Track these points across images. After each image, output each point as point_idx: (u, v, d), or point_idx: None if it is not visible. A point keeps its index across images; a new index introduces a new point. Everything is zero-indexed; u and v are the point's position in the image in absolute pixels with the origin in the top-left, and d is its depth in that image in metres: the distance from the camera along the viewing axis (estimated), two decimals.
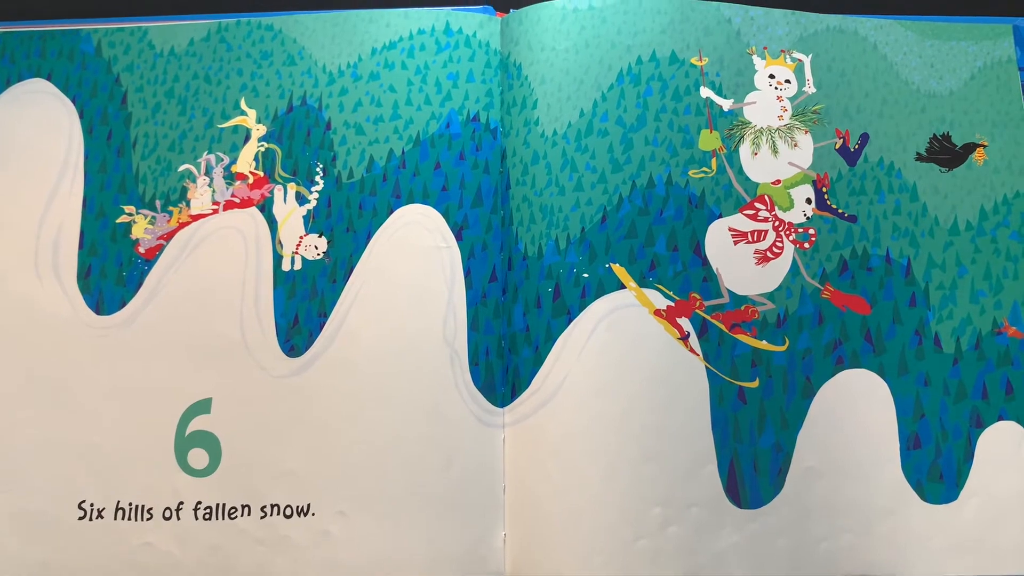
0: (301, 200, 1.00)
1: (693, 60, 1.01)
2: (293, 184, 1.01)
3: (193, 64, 1.05)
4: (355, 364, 0.86)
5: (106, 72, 1.05)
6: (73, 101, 1.04)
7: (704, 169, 0.97)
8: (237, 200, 1.00)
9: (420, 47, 1.04)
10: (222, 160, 1.02)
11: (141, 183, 1.01)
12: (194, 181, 1.01)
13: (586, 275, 0.90)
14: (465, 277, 0.95)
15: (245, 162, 1.02)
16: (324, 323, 0.90)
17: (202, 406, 0.85)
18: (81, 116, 1.03)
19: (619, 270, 0.91)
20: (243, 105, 1.03)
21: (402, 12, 1.05)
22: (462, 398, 0.84)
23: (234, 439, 0.85)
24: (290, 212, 1.00)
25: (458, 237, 0.98)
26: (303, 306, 0.95)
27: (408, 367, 0.85)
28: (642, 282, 0.90)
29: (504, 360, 0.86)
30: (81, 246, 0.94)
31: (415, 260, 0.91)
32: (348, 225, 0.99)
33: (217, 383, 0.87)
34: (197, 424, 0.84)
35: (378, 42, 1.05)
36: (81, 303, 0.91)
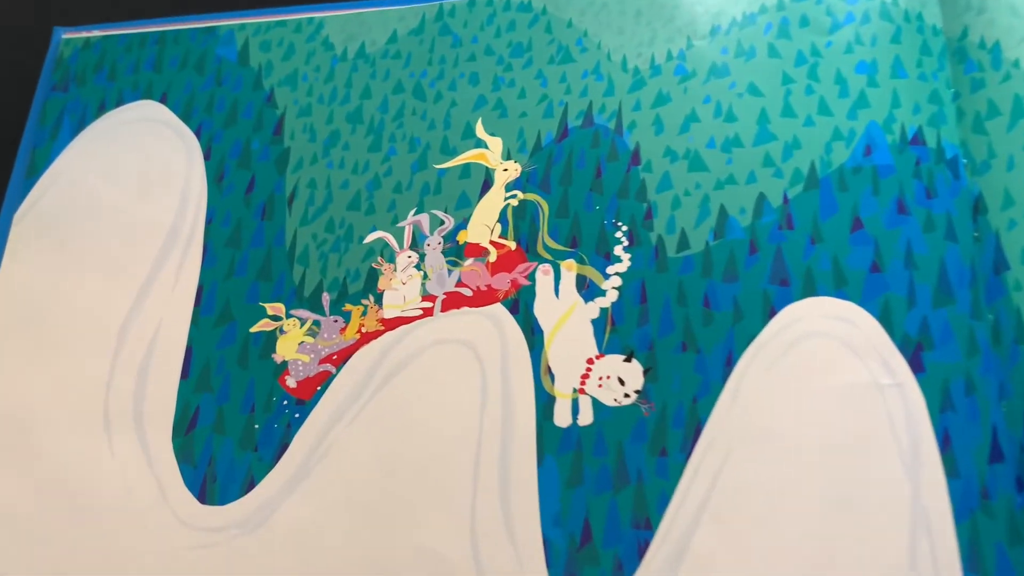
0: (591, 292, 0.51)
1: None
2: (572, 263, 0.53)
3: (395, 70, 0.62)
4: None
5: (253, 86, 0.63)
6: (197, 134, 0.61)
7: None
8: (468, 292, 0.53)
9: (800, 21, 0.57)
10: (442, 223, 0.56)
11: (299, 265, 0.56)
12: (392, 260, 0.55)
13: None
14: (941, 451, 0.44)
15: (483, 225, 0.55)
16: (647, 541, 0.47)
17: None
18: (207, 157, 0.60)
19: None
20: (480, 130, 0.58)
21: None
22: None
23: None
24: (568, 313, 0.51)
25: (915, 366, 0.46)
26: (598, 505, 0.45)
27: None
28: None
29: None
30: (185, 375, 0.57)
31: (833, 414, 0.49)
32: (684, 337, 0.49)
33: None
34: None
35: (721, 17, 0.58)
36: (176, 479, 0.54)
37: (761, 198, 0.53)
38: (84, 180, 0.62)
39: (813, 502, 0.46)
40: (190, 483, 0.52)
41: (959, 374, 0.48)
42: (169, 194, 0.61)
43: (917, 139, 0.53)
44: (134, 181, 0.61)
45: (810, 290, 0.50)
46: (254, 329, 0.56)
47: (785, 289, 0.50)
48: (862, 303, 0.50)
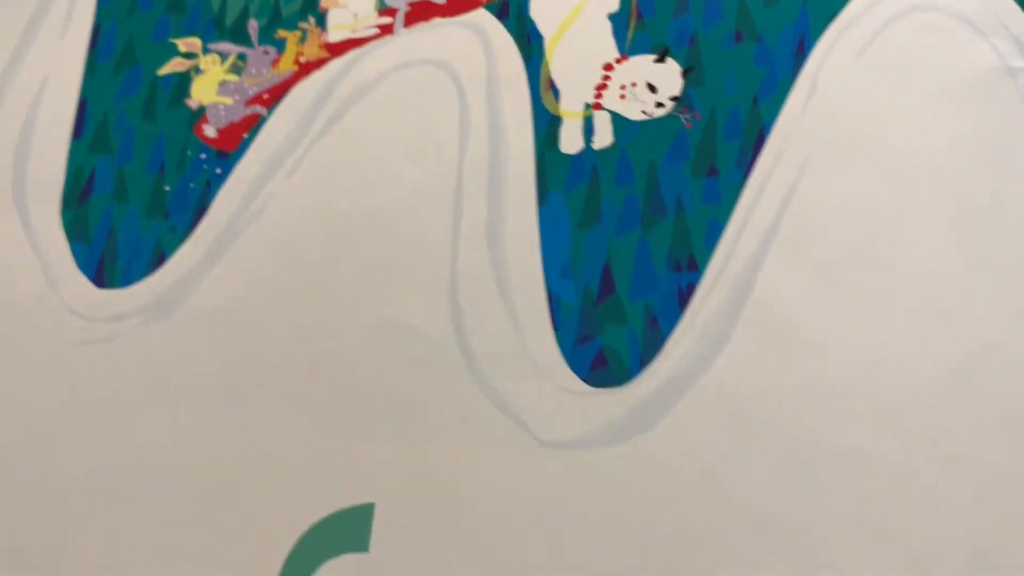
0: None
1: None
2: None
3: None
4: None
5: None
6: None
7: None
8: None
9: None
10: None
11: None
12: None
13: None
14: None
15: None
16: (691, 285, 0.31)
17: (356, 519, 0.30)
18: None
19: None
20: None
21: None
22: None
23: None
24: (577, 8, 0.37)
25: None
26: (622, 246, 0.33)
27: None
28: None
29: None
30: (78, 134, 0.43)
31: (950, 112, 0.35)
32: (738, 24, 0.36)
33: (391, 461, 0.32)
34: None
35: None
36: (67, 259, 0.40)
37: None
38: None
39: (930, 229, 0.32)
40: (83, 263, 0.40)
41: None
42: None
43: None
44: None
45: None
46: (162, 71, 0.42)
47: None
48: None
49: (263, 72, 0.42)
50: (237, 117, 0.41)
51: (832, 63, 0.35)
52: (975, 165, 0.33)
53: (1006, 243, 0.32)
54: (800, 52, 0.36)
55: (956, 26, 0.35)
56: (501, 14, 0.40)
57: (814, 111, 0.34)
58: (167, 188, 0.40)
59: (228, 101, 0.41)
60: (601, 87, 0.37)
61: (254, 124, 0.41)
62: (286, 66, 0.41)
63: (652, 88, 0.36)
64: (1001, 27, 0.35)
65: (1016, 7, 0.35)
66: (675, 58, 0.37)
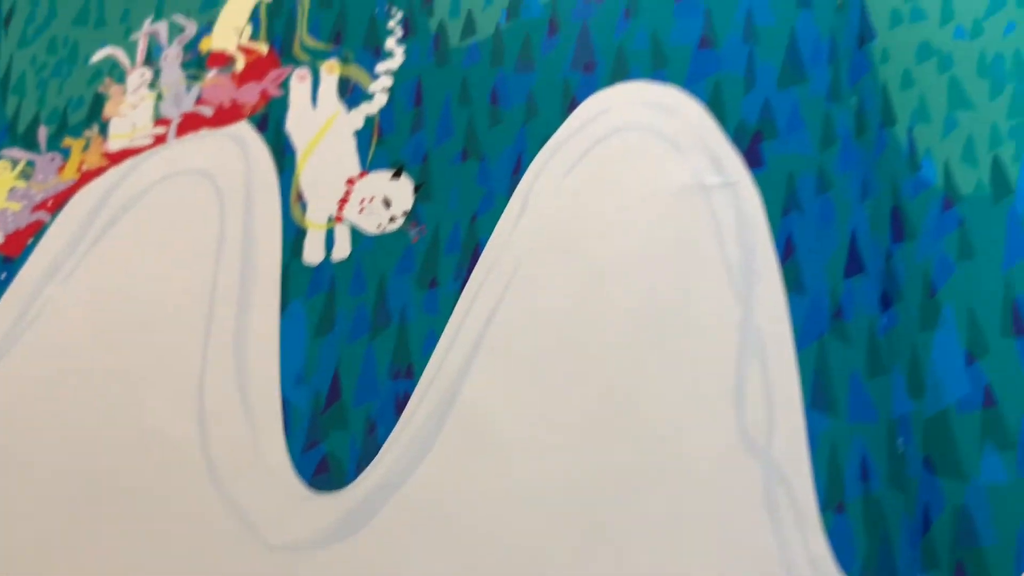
0: (355, 97, 0.40)
1: None
2: (334, 63, 0.42)
3: None
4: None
5: None
6: None
7: None
8: (208, 111, 0.42)
9: None
10: (182, 30, 0.44)
11: (13, 95, 0.45)
12: (122, 81, 0.44)
13: None
14: (781, 261, 0.34)
15: (231, 27, 0.44)
16: (407, 393, 0.34)
17: None
18: None
19: None
20: None
21: None
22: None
23: None
24: (326, 126, 0.40)
25: (752, 160, 0.36)
26: (350, 355, 0.35)
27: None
28: None
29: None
30: None
31: (645, 223, 0.38)
32: (466, 143, 0.38)
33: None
34: None
35: None
36: None
37: None
38: None
39: (621, 328, 0.36)
40: None
41: (809, 168, 0.37)
42: None
43: None
44: None
45: (621, 74, 0.39)
46: None
47: (590, 76, 0.39)
48: (686, 86, 0.39)
49: (49, 178, 0.44)
50: (23, 223, 0.44)
51: (542, 182, 0.38)
52: (666, 272, 0.36)
53: (695, 340, 0.36)
54: (516, 171, 0.39)
55: (657, 144, 0.38)
56: (261, 126, 0.42)
57: (524, 227, 0.38)
58: None
59: (16, 207, 0.44)
60: (343, 201, 0.40)
61: (38, 230, 0.43)
62: (69, 174, 0.44)
63: (387, 203, 0.39)
64: (700, 145, 0.38)
65: (715, 126, 0.38)
66: (410, 174, 0.40)
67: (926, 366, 0.34)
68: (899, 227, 0.36)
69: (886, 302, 0.36)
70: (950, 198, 0.36)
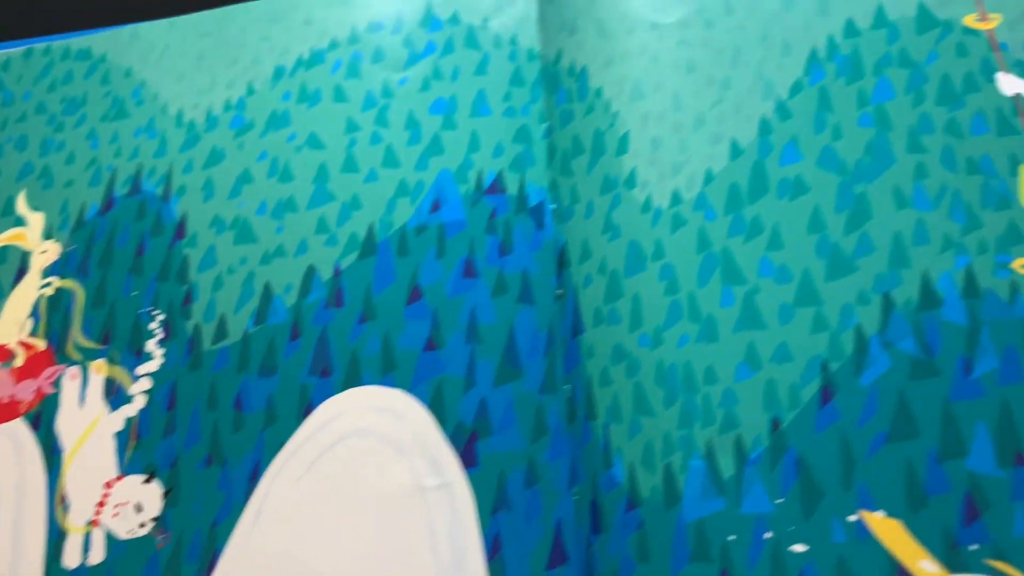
0: (119, 399, 0.44)
1: (971, 21, 0.45)
2: (102, 364, 0.45)
3: None
4: None
5: None
6: None
7: None
8: None
9: (373, 55, 0.50)
10: None
11: None
12: None
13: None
14: (488, 560, 0.38)
15: (13, 321, 0.47)
16: None
17: None
18: None
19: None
20: (21, 205, 0.49)
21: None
22: None
23: None
24: (91, 426, 0.44)
25: (468, 459, 0.40)
26: None
27: None
28: None
29: None
30: None
31: (366, 529, 0.42)
32: (211, 448, 0.42)
33: None
34: None
35: (286, 56, 0.51)
36: None
37: (310, 271, 0.46)
38: None
39: None
40: None
41: (519, 463, 0.41)
42: None
43: (495, 186, 0.47)
44: None
45: (354, 379, 0.43)
46: None
47: (326, 380, 0.43)
48: (412, 389, 0.43)
49: None
50: None
51: (276, 488, 0.42)
52: None
53: None
54: (254, 477, 0.43)
55: (384, 449, 0.42)
56: (35, 425, 0.46)
57: (257, 535, 0.41)
58: None
59: None
60: (100, 504, 0.43)
61: None
62: None
63: (139, 508, 0.43)
64: (421, 449, 0.42)
65: (437, 431, 0.42)
66: (160, 478, 0.43)
67: None
68: (597, 519, 0.41)
69: None
70: (632, 500, 0.40)
